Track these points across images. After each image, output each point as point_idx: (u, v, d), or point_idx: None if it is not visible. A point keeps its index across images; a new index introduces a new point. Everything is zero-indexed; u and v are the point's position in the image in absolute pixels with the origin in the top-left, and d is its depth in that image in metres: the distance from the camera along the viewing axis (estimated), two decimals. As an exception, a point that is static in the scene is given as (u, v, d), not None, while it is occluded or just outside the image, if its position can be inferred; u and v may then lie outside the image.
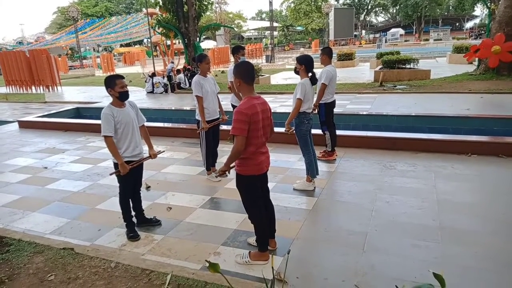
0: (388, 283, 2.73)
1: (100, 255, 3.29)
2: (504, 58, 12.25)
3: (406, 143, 6.02)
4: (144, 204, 4.04)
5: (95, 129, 8.72)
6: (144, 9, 25.80)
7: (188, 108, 10.94)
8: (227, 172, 3.02)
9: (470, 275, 2.85)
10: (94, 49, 59.16)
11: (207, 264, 1.80)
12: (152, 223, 3.91)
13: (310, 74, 4.42)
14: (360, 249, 3.27)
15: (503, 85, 11.42)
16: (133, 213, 3.85)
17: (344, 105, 9.95)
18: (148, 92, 15.92)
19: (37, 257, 3.31)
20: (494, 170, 5.03)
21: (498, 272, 2.89)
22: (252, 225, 3.18)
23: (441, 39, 44.87)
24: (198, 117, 4.99)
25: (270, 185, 3.34)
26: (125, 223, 3.74)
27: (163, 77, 16.45)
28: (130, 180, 3.64)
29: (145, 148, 3.87)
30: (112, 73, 3.55)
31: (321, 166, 5.39)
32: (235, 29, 62.00)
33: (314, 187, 4.65)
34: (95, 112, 11.80)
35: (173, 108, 11.70)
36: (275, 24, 55.27)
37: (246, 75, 2.90)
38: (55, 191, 5.08)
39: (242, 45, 6.13)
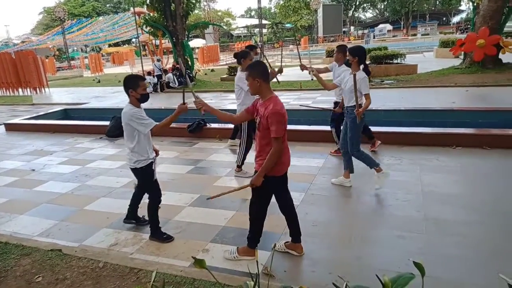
0: (372, 274, 2.76)
1: (88, 256, 3.29)
2: (488, 52, 12.45)
3: (392, 137, 6.10)
4: (133, 204, 4.03)
5: (84, 130, 8.66)
6: (131, 8, 25.53)
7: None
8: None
9: (453, 264, 2.92)
10: (81, 50, 58.46)
11: (194, 261, 1.82)
12: (141, 223, 3.90)
13: (362, 66, 4.28)
14: (347, 242, 3.33)
15: (488, 78, 11.61)
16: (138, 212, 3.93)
17: (330, 101, 9.96)
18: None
19: (24, 259, 3.30)
20: (478, 161, 5.13)
21: (480, 260, 2.96)
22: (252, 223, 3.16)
23: (428, 34, 45.28)
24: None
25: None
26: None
27: (153, 76, 16.35)
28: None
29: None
30: (134, 74, 3.43)
31: (309, 162, 5.45)
32: (224, 27, 61.85)
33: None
34: (83, 113, 11.69)
35: (162, 108, 11.64)
36: (264, 22, 55.28)
37: (266, 74, 2.82)
38: (43, 193, 5.05)
39: (254, 45, 5.79)
